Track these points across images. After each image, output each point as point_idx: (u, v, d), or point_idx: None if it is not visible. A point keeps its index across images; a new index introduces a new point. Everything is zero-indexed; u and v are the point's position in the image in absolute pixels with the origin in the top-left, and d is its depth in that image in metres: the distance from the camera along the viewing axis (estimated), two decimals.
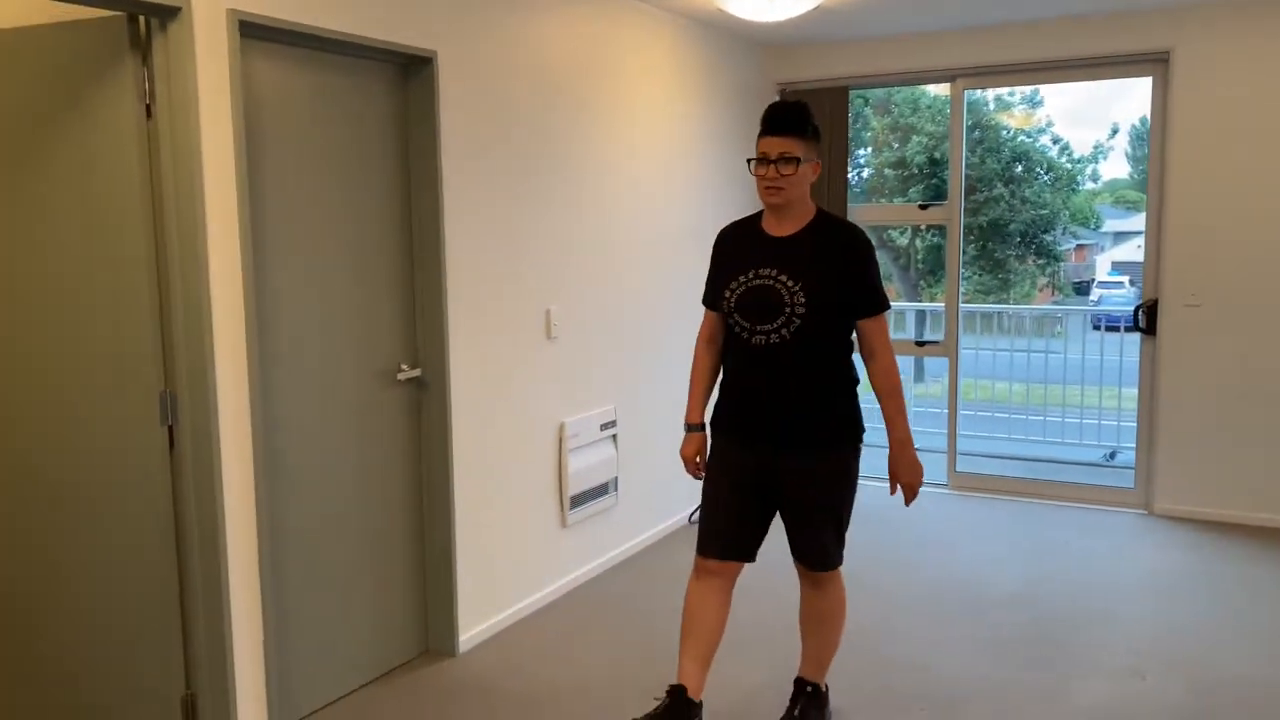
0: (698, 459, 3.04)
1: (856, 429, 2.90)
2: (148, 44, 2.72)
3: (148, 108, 2.74)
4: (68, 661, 3.04)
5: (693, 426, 3.05)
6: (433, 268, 3.58)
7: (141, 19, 2.70)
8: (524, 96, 3.99)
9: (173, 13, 2.67)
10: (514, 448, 4.03)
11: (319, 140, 3.22)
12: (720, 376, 3.01)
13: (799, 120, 2.78)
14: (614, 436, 4.65)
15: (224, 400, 2.84)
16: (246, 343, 2.90)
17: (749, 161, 2.85)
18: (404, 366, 3.59)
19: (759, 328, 2.79)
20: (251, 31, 2.88)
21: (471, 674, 3.60)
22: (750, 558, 2.98)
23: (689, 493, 5.36)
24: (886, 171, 16.13)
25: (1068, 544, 5.00)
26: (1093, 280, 22.41)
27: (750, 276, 2.82)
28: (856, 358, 2.91)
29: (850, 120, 6.01)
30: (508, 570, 4.02)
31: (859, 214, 6.14)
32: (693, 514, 5.36)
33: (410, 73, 3.52)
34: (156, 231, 2.78)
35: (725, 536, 2.93)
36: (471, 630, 3.82)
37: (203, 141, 2.74)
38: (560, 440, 4.30)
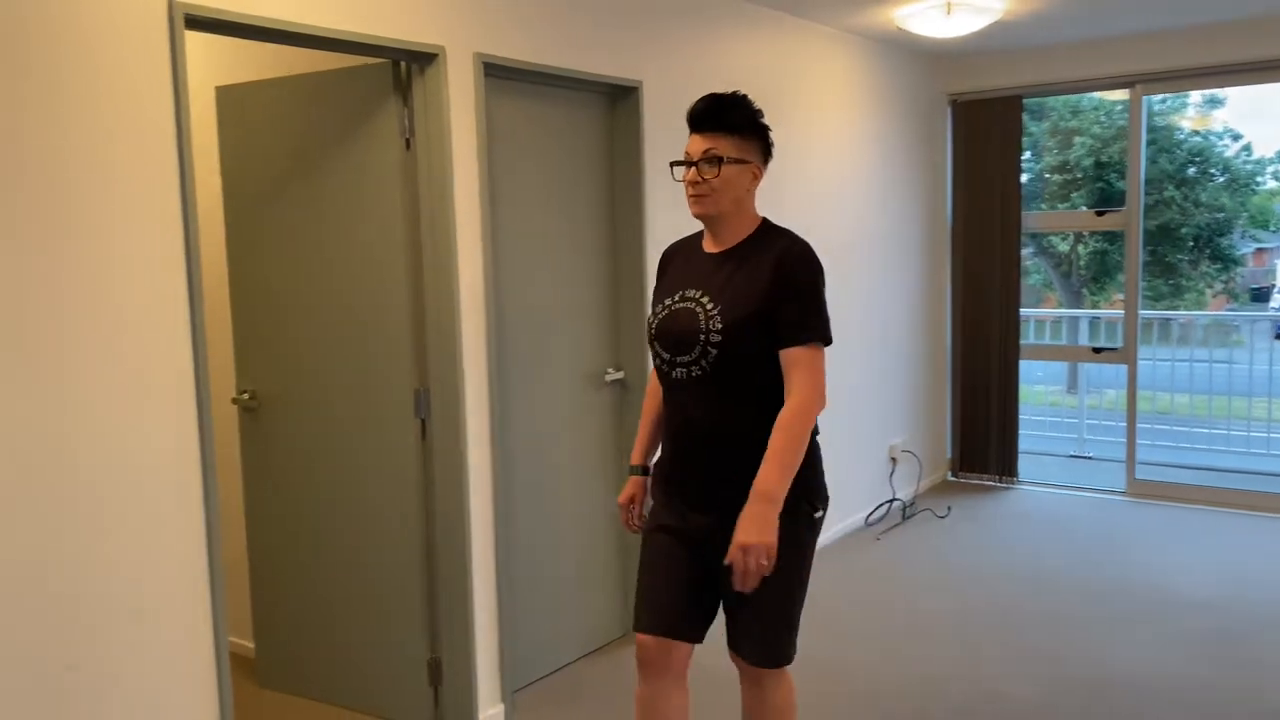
0: (632, 506, 2.59)
1: (809, 491, 2.30)
2: (408, 86, 3.12)
3: (407, 141, 3.14)
4: (337, 625, 3.47)
5: (633, 469, 2.60)
6: (635, 279, 3.90)
7: (404, 65, 3.11)
8: None
9: (430, 59, 3.07)
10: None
11: (541, 165, 3.58)
12: None
13: (727, 114, 2.31)
14: None
15: (469, 396, 3.22)
16: (487, 346, 3.27)
17: (671, 167, 2.42)
18: (610, 370, 3.91)
19: (677, 359, 2.32)
20: (492, 71, 3.26)
21: None
22: (691, 636, 2.38)
23: (865, 493, 5.53)
24: (1047, 176, 15.78)
25: (1259, 549, 4.93)
26: (1273, 286, 21.22)
27: (675, 300, 2.36)
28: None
29: (1023, 129, 6.06)
30: None
31: (1027, 221, 6.17)
32: (869, 516, 5.53)
33: (617, 101, 3.85)
34: (414, 248, 3.18)
35: (654, 607, 2.38)
36: None
37: (454, 170, 3.12)
38: None
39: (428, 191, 3.13)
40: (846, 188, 5.28)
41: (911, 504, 5.79)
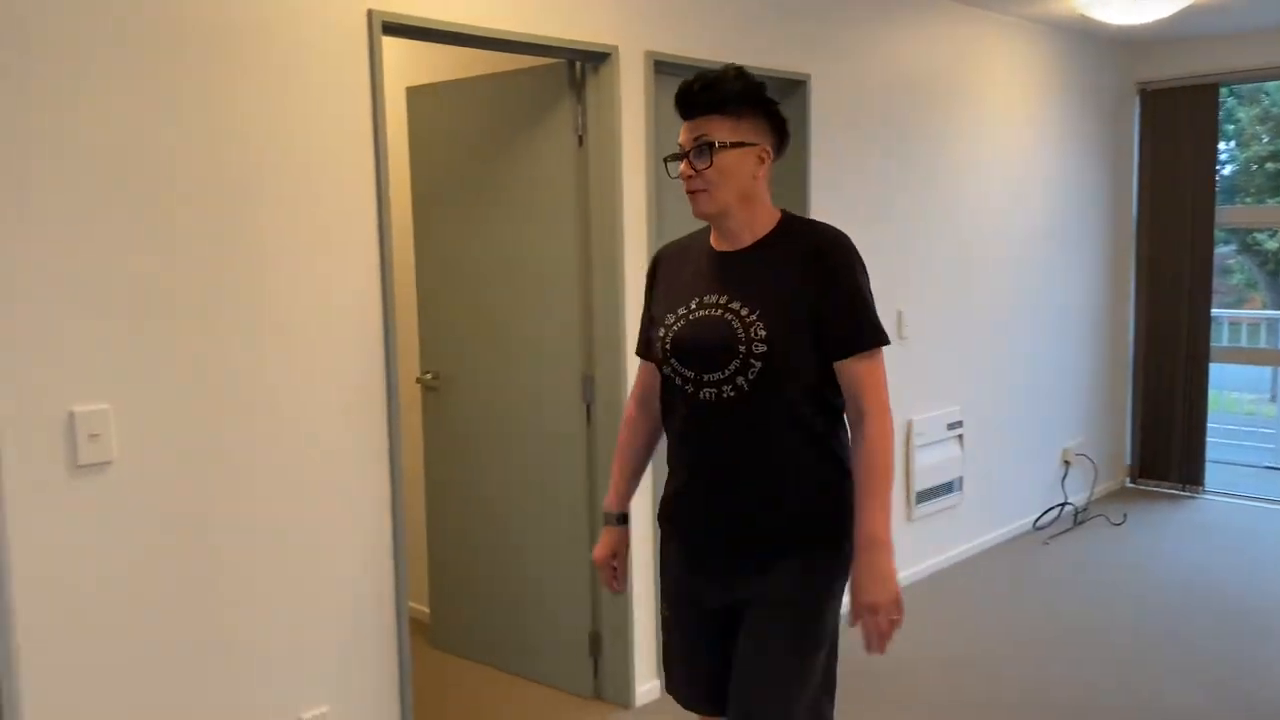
0: (614, 563, 2.18)
1: (844, 527, 1.94)
2: (582, 84, 3.27)
3: (580, 137, 3.29)
4: (505, 594, 3.67)
5: (608, 518, 2.19)
6: None
7: (578, 64, 3.26)
8: (884, 109, 4.25)
9: (603, 57, 3.20)
10: None
11: None
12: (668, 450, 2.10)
13: (716, 90, 1.91)
14: (960, 437, 4.78)
15: (630, 383, 3.34)
16: None
17: (665, 163, 2.08)
18: None
19: (706, 377, 1.92)
20: (661, 68, 3.37)
21: None
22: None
23: (1035, 495, 5.37)
24: (1254, 167, 14.69)
25: None
26: None
27: (693, 308, 1.97)
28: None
29: (1219, 118, 5.72)
30: None
31: (1223, 216, 5.82)
32: (1037, 519, 5.37)
33: (784, 95, 3.89)
34: (583, 239, 3.33)
35: (685, 679, 2.10)
36: None
37: (622, 164, 3.24)
38: (908, 436, 4.51)
39: (598, 185, 3.27)
40: (1026, 182, 5.13)
41: (1084, 509, 5.58)
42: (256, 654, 2.51)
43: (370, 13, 2.64)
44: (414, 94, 3.71)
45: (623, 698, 3.40)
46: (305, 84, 2.53)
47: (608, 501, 2.22)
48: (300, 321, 2.55)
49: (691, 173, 1.93)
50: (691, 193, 1.95)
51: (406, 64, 3.89)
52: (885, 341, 1.89)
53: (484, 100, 3.53)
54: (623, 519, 2.19)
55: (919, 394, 4.55)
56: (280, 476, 2.53)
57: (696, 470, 2.00)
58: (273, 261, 2.49)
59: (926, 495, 4.61)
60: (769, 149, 1.95)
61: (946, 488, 4.72)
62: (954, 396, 4.76)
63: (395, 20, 2.69)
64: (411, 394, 3.85)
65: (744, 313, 1.90)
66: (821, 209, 3.95)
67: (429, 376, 3.79)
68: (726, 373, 1.90)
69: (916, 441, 4.53)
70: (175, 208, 2.32)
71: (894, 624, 1.83)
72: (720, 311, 1.93)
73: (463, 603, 3.78)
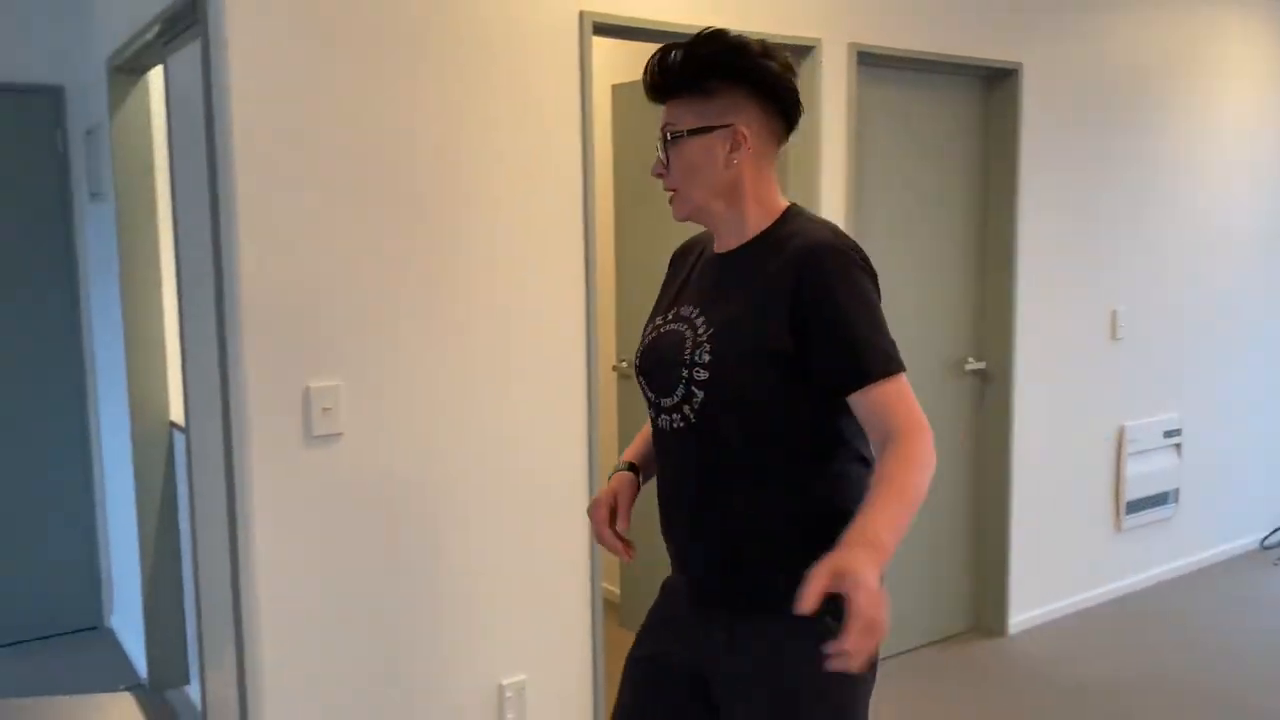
0: (614, 511, 1.80)
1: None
2: None
3: None
4: None
5: (620, 466, 1.85)
6: (1003, 267, 3.80)
7: None
8: (1101, 99, 4.04)
9: (806, 50, 3.20)
10: (1071, 445, 4.11)
11: (908, 151, 3.60)
12: None
13: (677, 68, 1.56)
14: (1177, 445, 4.49)
15: None
16: None
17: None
18: (970, 359, 3.85)
19: (662, 402, 1.63)
20: (864, 60, 3.33)
21: (1020, 655, 3.78)
22: None
23: (1263, 512, 4.97)
24: None
25: None
26: None
27: (668, 319, 1.68)
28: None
29: None
30: (1060, 563, 4.11)
31: None
32: (1266, 538, 4.97)
33: (993, 85, 3.77)
34: None
35: None
36: (1022, 614, 3.98)
37: (821, 156, 3.23)
38: (1119, 443, 4.27)
39: (795, 175, 3.27)
40: (1261, 178, 4.75)
41: None
42: (461, 621, 2.67)
43: (582, 14, 2.74)
44: (619, 91, 3.82)
45: None
46: (519, 85, 2.66)
47: (625, 452, 1.86)
48: (510, 309, 2.69)
49: (662, 170, 1.63)
50: (668, 190, 1.65)
51: (611, 62, 4.00)
52: (897, 371, 1.48)
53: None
54: (631, 467, 1.82)
55: (1133, 399, 4.30)
56: (488, 455, 2.68)
57: (662, 507, 1.70)
58: (488, 254, 2.64)
59: (1137, 506, 4.36)
60: (748, 128, 1.54)
61: (1160, 499, 4.44)
62: (1171, 402, 4.48)
63: (605, 21, 2.79)
64: (606, 380, 3.97)
65: (700, 330, 1.57)
66: (1032, 205, 3.80)
67: (624, 364, 3.90)
68: (675, 399, 1.59)
69: (1129, 449, 4.28)
70: (404, 202, 2.50)
71: (867, 636, 1.30)
72: (683, 326, 1.61)
73: (652, 586, 3.86)
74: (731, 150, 1.56)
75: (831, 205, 3.28)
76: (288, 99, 2.34)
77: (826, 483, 1.54)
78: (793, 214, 1.61)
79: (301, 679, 2.44)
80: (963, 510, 3.91)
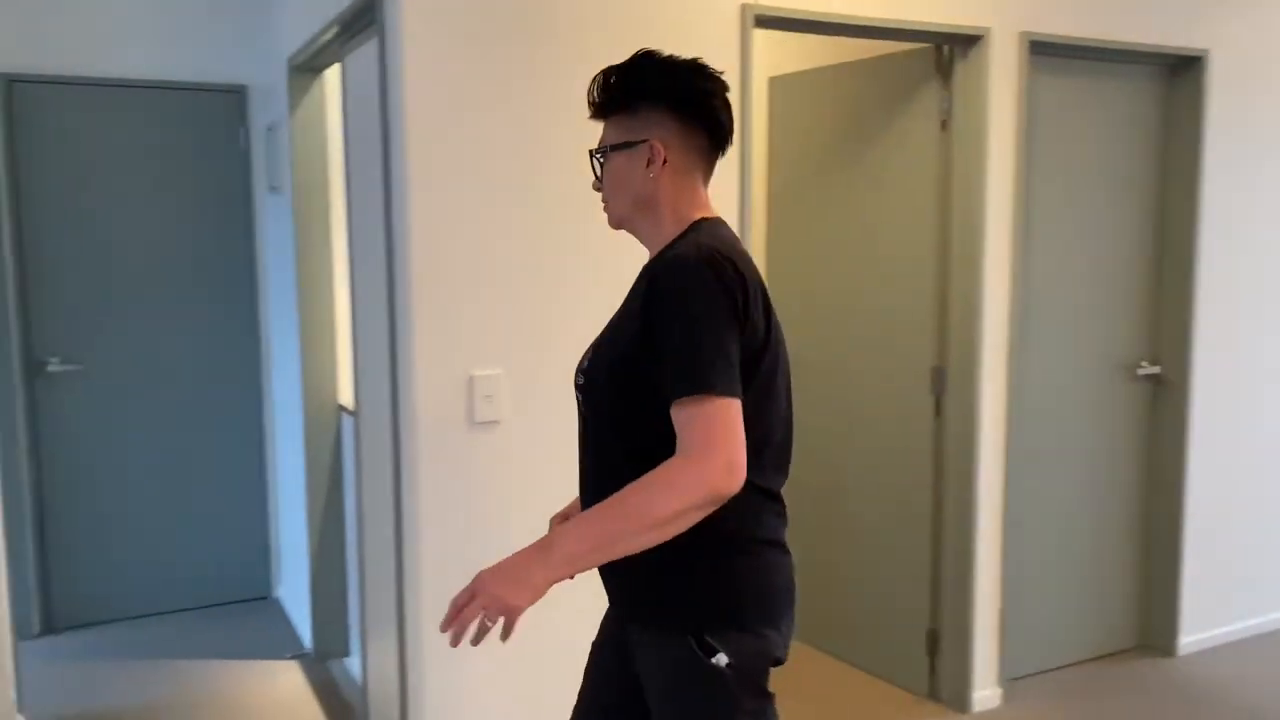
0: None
1: (712, 614, 1.53)
2: (949, 68, 3.18)
3: (943, 122, 3.21)
4: (840, 579, 3.69)
5: None
6: (1182, 269, 3.60)
7: (946, 48, 3.17)
8: None
9: (974, 40, 3.10)
10: (1255, 456, 3.85)
11: (1082, 144, 3.45)
12: None
13: (613, 89, 1.65)
14: None
15: (985, 378, 3.22)
16: (1009, 328, 3.25)
17: None
18: (1144, 363, 3.66)
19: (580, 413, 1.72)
20: (1036, 49, 3.20)
21: (1189, 677, 3.57)
22: None
23: None
24: None
25: None
26: None
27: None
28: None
29: None
30: (1239, 581, 3.87)
31: None
32: None
33: (1176, 74, 3.56)
34: (943, 226, 3.25)
35: None
36: (1192, 635, 3.76)
37: (988, 150, 3.13)
38: None
39: (961, 171, 3.18)
40: None
41: None
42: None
43: (743, 7, 2.73)
44: (775, 84, 3.79)
45: (959, 702, 3.30)
46: None
47: None
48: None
49: (597, 184, 1.71)
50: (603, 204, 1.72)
51: (767, 54, 3.97)
52: (705, 391, 1.42)
53: (844, 88, 3.54)
54: None
55: None
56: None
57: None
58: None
59: None
60: (665, 143, 1.61)
61: None
62: None
63: (766, 13, 2.77)
64: None
65: (597, 340, 1.67)
66: (1216, 205, 3.58)
67: None
68: (577, 406, 1.69)
69: None
70: (565, 199, 2.55)
71: (466, 614, 1.43)
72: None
73: (802, 588, 3.83)
74: (649, 164, 1.62)
75: (998, 200, 3.17)
76: (460, 95, 2.41)
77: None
78: (694, 228, 1.62)
79: (460, 657, 2.51)
80: (1132, 522, 3.72)
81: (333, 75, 3.55)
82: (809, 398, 3.74)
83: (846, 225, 3.56)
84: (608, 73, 1.65)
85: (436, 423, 2.46)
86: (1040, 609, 3.55)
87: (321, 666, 3.70)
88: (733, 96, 2.72)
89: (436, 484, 2.47)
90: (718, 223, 1.65)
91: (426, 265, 2.41)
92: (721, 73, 1.66)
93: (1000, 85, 3.13)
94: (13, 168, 3.86)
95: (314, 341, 3.63)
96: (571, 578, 1.47)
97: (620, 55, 2.59)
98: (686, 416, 1.43)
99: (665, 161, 1.62)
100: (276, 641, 3.92)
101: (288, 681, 3.59)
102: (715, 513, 1.45)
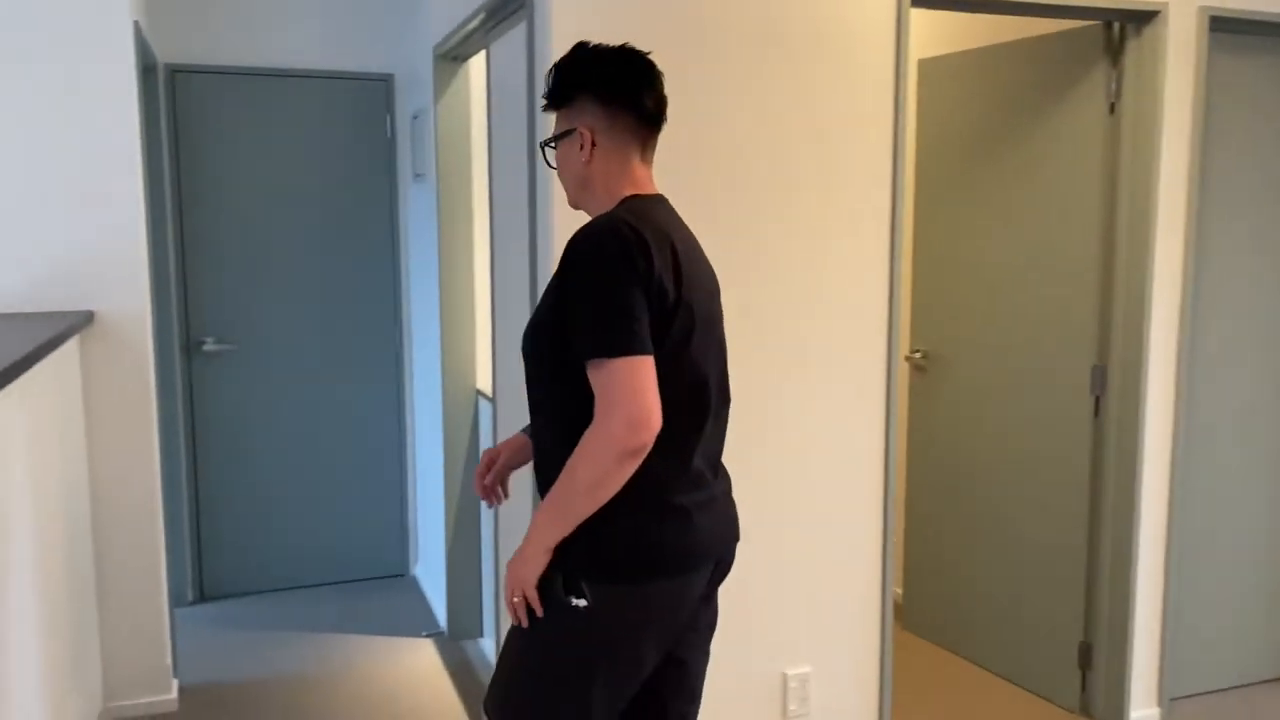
0: (490, 467, 2.02)
1: (580, 562, 1.65)
2: (1120, 47, 2.98)
3: (1111, 105, 3.01)
4: (985, 586, 3.54)
5: (525, 429, 2.10)
6: None
7: (1117, 25, 2.98)
8: None
9: (1149, 17, 2.89)
10: None
11: (1262, 131, 3.18)
12: None
13: (551, 83, 1.80)
14: None
15: (1152, 379, 3.02)
16: (1179, 328, 3.03)
17: None
18: None
19: None
20: (1218, 25, 2.97)
21: None
22: None
23: None
24: None
25: None
26: None
27: None
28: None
29: None
30: None
31: None
32: None
33: None
34: (1107, 217, 3.05)
35: None
36: None
37: (1161, 136, 2.92)
38: None
39: (1130, 158, 2.98)
40: None
41: None
42: (750, 608, 2.64)
43: None
44: (926, 66, 3.64)
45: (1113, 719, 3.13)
46: (833, 63, 2.57)
47: None
48: (810, 294, 2.62)
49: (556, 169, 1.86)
50: None
51: (914, 36, 3.82)
52: (604, 353, 1.56)
53: (1001, 70, 3.36)
54: (527, 430, 1.99)
55: None
56: (781, 443, 2.63)
57: None
58: (789, 237, 2.58)
59: None
60: (592, 129, 1.74)
61: None
62: None
63: None
64: (899, 371, 3.81)
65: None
66: None
67: (918, 355, 3.73)
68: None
69: None
70: (710, 185, 2.49)
71: (511, 604, 1.69)
72: None
73: (939, 589, 3.70)
74: (581, 149, 1.76)
75: (1172, 186, 2.96)
76: None
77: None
78: (622, 204, 1.74)
79: None
80: None
81: (477, 64, 3.58)
82: (955, 394, 3.59)
83: (999, 216, 3.39)
84: (557, 64, 1.79)
85: None
86: (1207, 625, 3.32)
87: (455, 646, 3.76)
88: (885, 82, 2.63)
89: None
90: (649, 199, 1.76)
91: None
92: (647, 53, 1.78)
93: (1176, 65, 2.92)
94: (175, 157, 4.03)
95: (453, 327, 3.67)
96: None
97: (771, 41, 2.52)
98: (593, 379, 1.59)
99: (595, 145, 1.75)
100: (413, 619, 4.01)
101: (423, 659, 3.66)
102: (641, 477, 1.62)
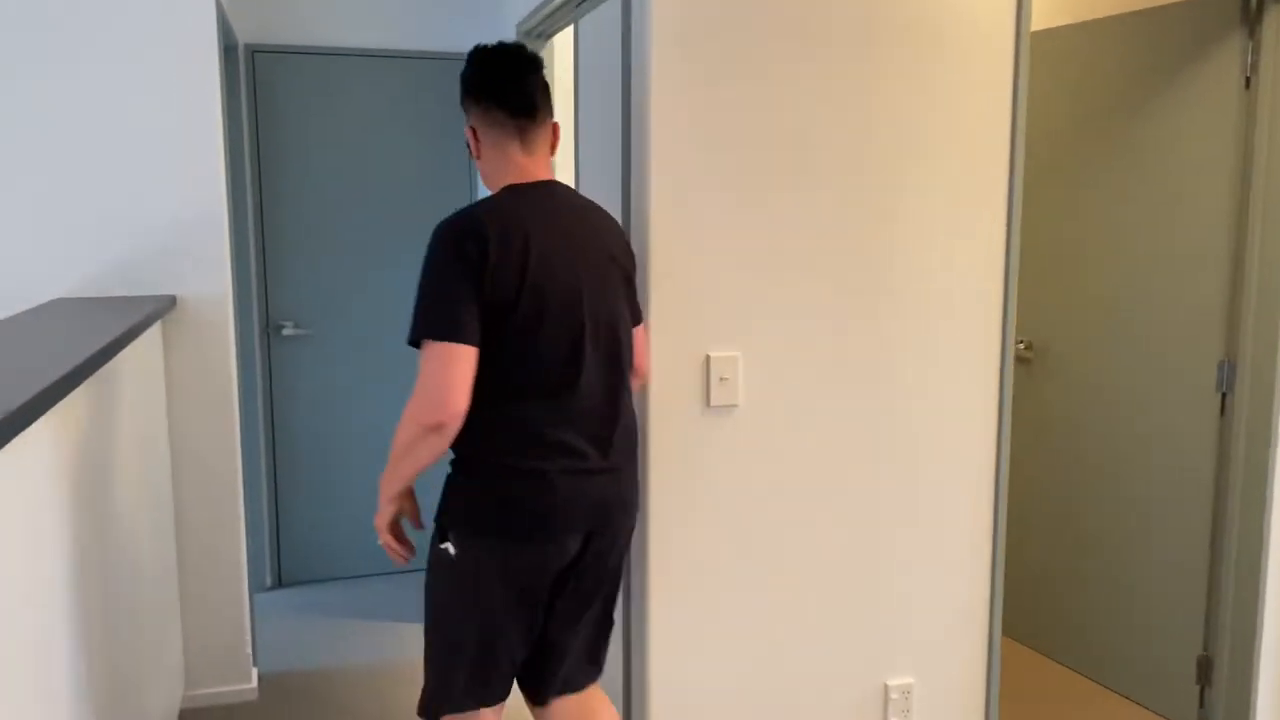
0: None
1: (450, 517, 1.93)
2: (1257, 16, 2.75)
3: (1246, 80, 2.79)
4: (1091, 592, 3.35)
5: None
6: None
7: None
8: None
9: None
10: None
11: None
12: None
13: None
14: None
15: None
16: None
17: None
18: None
19: None
20: None
21: None
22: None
23: None
24: None
25: None
26: None
27: None
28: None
29: None
30: None
31: None
32: None
33: None
34: (1239, 202, 2.83)
35: None
36: None
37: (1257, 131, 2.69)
38: None
39: (1267, 137, 2.76)
40: None
41: None
42: (849, 615, 2.50)
43: None
44: (1038, 40, 3.43)
45: None
46: (951, 42, 2.40)
47: None
48: (920, 285, 2.46)
49: None
50: None
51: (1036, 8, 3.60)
52: (421, 337, 1.80)
53: (1121, 42, 3.14)
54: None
55: None
56: (888, 441, 2.48)
57: None
58: (897, 225, 2.42)
59: None
60: (474, 127, 1.95)
61: None
62: None
63: None
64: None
65: None
66: None
67: (1021, 346, 3.53)
68: None
69: None
70: (813, 170, 2.34)
71: (379, 542, 2.08)
72: None
73: (1042, 594, 3.51)
74: (470, 147, 1.97)
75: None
76: (710, 63, 2.24)
77: (472, 429, 1.85)
78: (496, 194, 1.92)
79: (683, 650, 2.38)
80: None
81: (561, 42, 3.46)
82: (1063, 389, 3.39)
83: (1116, 199, 3.18)
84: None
85: (668, 404, 2.32)
86: None
87: None
88: (1006, 53, 2.44)
89: (665, 469, 2.33)
90: (525, 187, 1.90)
91: (664, 239, 2.26)
92: (511, 45, 1.92)
93: None
94: (255, 139, 3.99)
95: None
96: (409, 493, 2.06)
97: (875, 18, 2.36)
98: (421, 360, 1.81)
99: (479, 142, 1.94)
100: None
101: None
102: (470, 440, 1.86)
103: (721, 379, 2.35)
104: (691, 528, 2.36)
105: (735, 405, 2.36)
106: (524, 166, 1.92)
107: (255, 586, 4.00)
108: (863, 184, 2.38)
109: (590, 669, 2.11)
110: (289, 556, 4.22)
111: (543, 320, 1.82)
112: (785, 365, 2.38)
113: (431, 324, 1.78)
